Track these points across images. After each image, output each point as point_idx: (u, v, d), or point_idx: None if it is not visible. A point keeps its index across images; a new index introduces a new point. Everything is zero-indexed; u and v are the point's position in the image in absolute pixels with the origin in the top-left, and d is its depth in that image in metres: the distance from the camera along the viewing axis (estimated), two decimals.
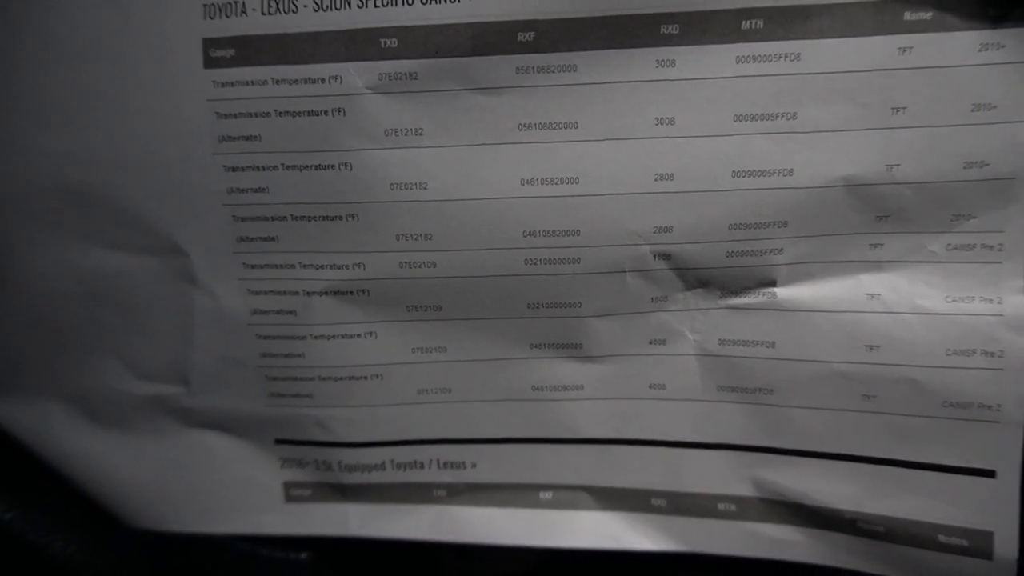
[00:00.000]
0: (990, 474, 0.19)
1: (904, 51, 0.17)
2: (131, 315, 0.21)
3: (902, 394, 0.19)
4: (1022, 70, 0.17)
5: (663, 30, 0.18)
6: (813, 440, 0.20)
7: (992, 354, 0.18)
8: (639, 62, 0.18)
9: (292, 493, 0.23)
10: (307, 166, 0.19)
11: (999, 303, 0.18)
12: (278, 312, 0.21)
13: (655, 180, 0.19)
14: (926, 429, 0.19)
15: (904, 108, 0.18)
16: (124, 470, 0.23)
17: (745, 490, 0.21)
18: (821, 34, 0.17)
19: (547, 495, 0.22)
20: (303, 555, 0.23)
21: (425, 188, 0.19)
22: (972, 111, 0.17)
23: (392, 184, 0.19)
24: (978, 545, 0.19)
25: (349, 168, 0.19)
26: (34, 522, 0.22)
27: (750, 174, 0.18)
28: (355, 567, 0.24)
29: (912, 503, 0.20)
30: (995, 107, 0.17)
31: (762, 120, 0.18)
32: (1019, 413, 0.19)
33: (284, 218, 0.20)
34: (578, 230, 0.19)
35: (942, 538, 0.19)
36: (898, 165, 0.18)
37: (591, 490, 0.22)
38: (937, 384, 0.19)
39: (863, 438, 0.20)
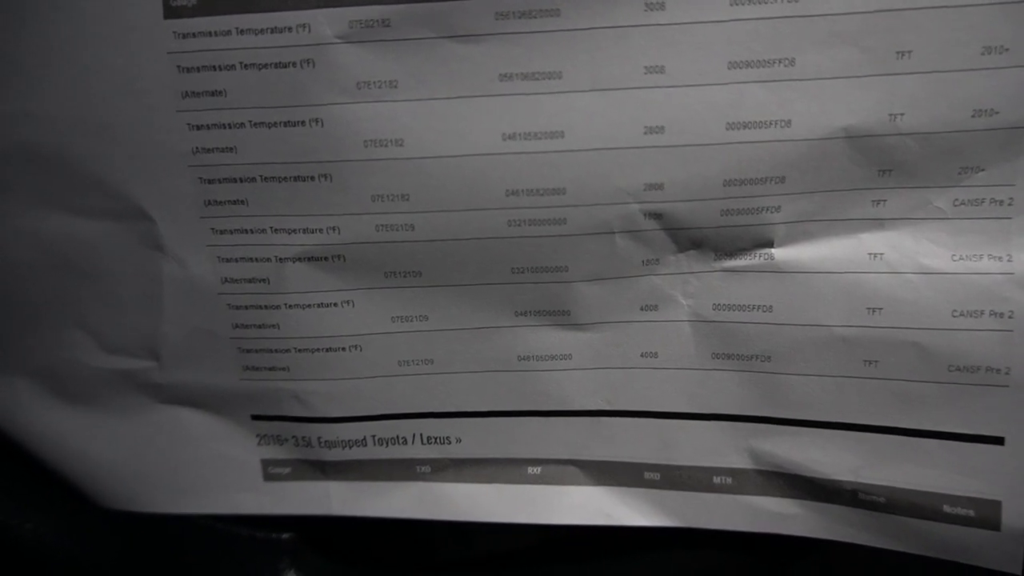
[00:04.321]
0: (998, 441, 0.18)
1: None
2: (97, 285, 0.21)
3: (906, 359, 0.19)
4: None
5: None
6: (812, 409, 0.20)
7: (1001, 315, 0.18)
8: (626, 5, 0.17)
9: (271, 471, 0.22)
10: (276, 123, 0.18)
11: (1009, 261, 0.18)
12: (250, 280, 0.20)
13: (644, 133, 0.18)
14: (931, 395, 0.19)
15: (910, 52, 0.17)
16: (95, 449, 0.22)
17: (741, 462, 0.20)
18: None
19: (535, 470, 0.21)
20: (284, 536, 0.23)
21: (401, 145, 0.18)
22: (982, 54, 0.17)
23: (366, 141, 0.18)
24: (985, 515, 0.19)
25: (320, 124, 0.18)
26: (2, 503, 0.21)
27: (745, 126, 0.17)
28: (340, 548, 0.23)
29: (916, 472, 0.19)
30: (1007, 50, 0.16)
31: (758, 67, 0.17)
32: None
33: (253, 179, 0.19)
34: (564, 188, 0.18)
35: (947, 508, 0.19)
36: (902, 114, 0.17)
37: (581, 464, 0.21)
38: (943, 347, 0.18)
39: (864, 405, 0.19)
